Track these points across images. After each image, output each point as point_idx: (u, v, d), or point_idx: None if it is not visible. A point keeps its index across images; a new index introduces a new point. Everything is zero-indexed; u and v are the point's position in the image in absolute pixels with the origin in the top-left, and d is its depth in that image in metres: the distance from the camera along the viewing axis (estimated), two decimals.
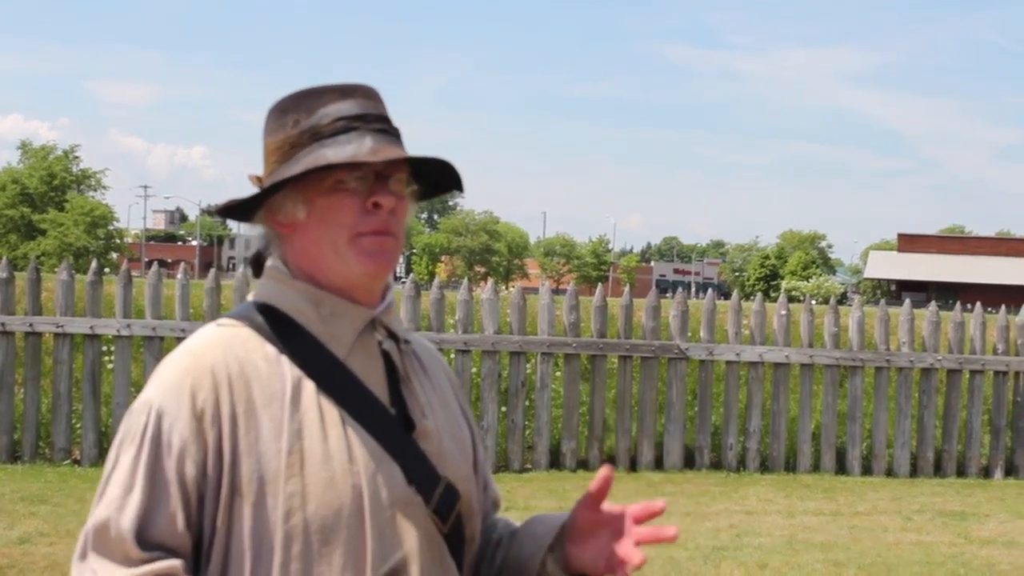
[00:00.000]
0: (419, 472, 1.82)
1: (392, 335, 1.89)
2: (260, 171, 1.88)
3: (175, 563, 1.70)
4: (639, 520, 1.85)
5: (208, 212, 1.93)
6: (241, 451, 1.73)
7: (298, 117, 1.81)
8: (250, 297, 1.90)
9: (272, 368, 1.78)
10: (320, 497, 1.73)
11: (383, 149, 1.76)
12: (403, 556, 1.78)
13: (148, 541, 1.70)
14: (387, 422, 1.82)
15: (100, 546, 1.71)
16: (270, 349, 1.80)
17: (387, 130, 1.82)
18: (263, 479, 1.72)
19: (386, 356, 1.87)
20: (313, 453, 1.74)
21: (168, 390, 1.75)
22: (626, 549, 1.83)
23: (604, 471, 1.82)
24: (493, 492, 2.09)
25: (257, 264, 1.92)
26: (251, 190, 1.85)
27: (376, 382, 1.84)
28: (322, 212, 1.79)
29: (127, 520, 1.69)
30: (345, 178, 1.77)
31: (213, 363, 1.76)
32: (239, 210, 1.85)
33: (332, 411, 1.78)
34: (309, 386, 1.78)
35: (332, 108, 1.80)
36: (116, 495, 1.71)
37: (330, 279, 1.83)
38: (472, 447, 2.00)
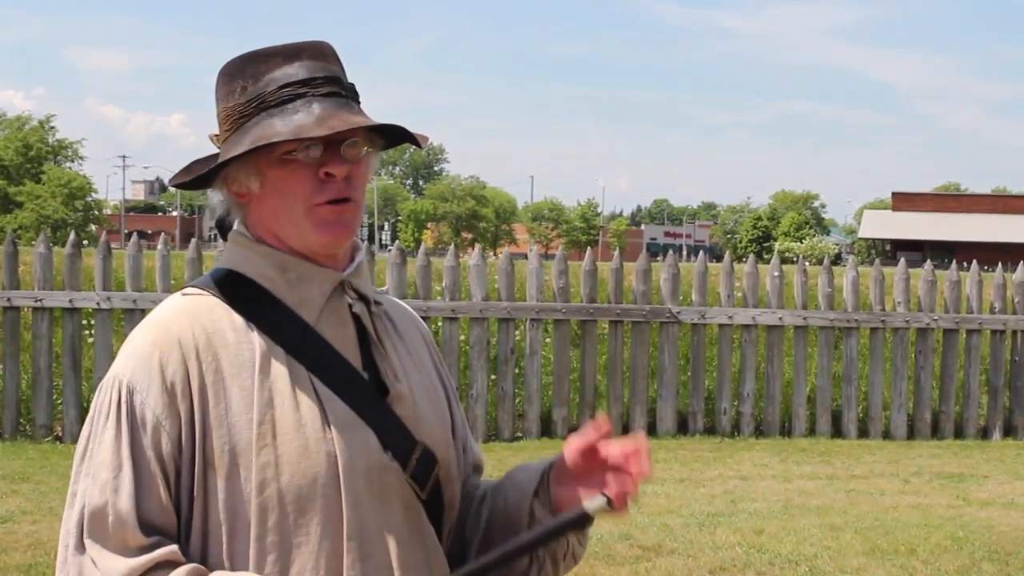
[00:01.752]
0: (394, 438, 1.80)
1: (362, 297, 1.86)
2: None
3: (174, 548, 1.67)
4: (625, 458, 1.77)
5: (171, 184, 1.88)
6: (211, 423, 1.70)
7: (245, 84, 1.76)
8: (216, 264, 1.87)
9: (240, 337, 1.75)
10: (294, 466, 1.70)
11: (331, 117, 1.72)
12: (380, 524, 1.76)
13: (144, 523, 1.67)
14: (360, 387, 1.79)
15: (97, 533, 1.66)
16: (237, 317, 1.77)
17: (337, 92, 1.76)
18: (235, 451, 1.70)
19: (357, 319, 1.84)
20: (285, 422, 1.72)
21: (137, 364, 1.72)
22: (619, 480, 1.75)
23: (601, 424, 1.77)
24: (475, 454, 2.04)
25: (222, 228, 1.87)
26: (214, 150, 1.83)
27: (348, 347, 1.81)
28: (274, 183, 1.75)
29: (124, 503, 1.66)
30: (294, 150, 1.73)
31: (180, 334, 1.73)
32: (195, 182, 1.82)
33: (303, 378, 1.75)
34: (279, 354, 1.75)
35: (278, 73, 1.75)
36: (106, 477, 1.67)
37: (290, 246, 1.79)
38: (449, 410, 1.97)
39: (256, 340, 1.75)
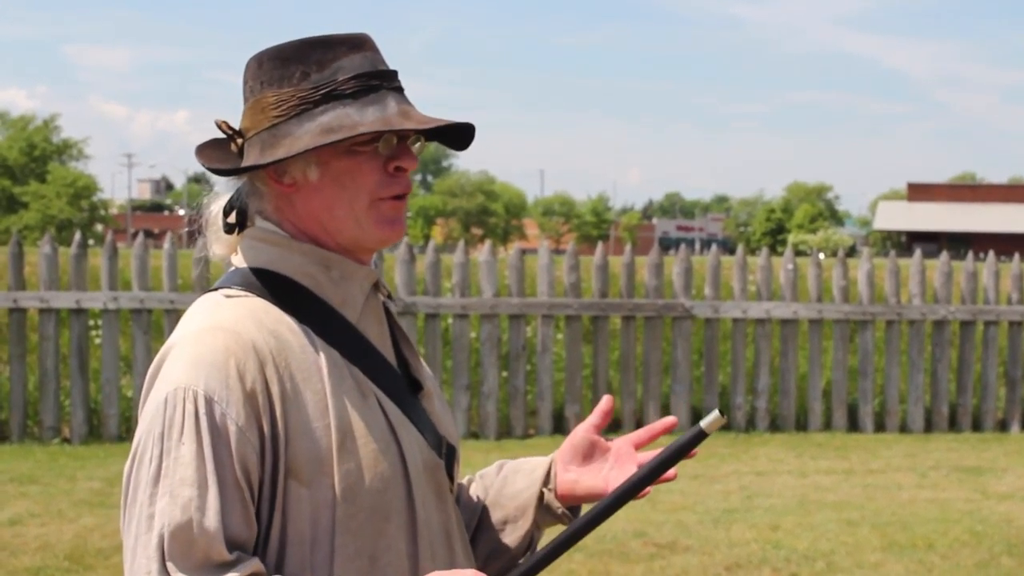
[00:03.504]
0: (431, 435, 1.81)
1: (388, 295, 1.85)
2: (238, 118, 1.77)
3: (257, 561, 1.62)
4: (640, 445, 1.88)
5: (212, 171, 1.71)
6: (296, 431, 1.65)
7: (306, 69, 1.70)
8: (241, 263, 1.76)
9: (300, 340, 1.70)
10: (372, 471, 1.69)
11: (411, 112, 1.71)
12: (440, 521, 1.78)
13: (229, 540, 1.61)
14: (402, 386, 1.79)
15: (179, 555, 1.58)
16: (290, 319, 1.71)
17: (402, 87, 1.75)
18: (318, 459, 1.66)
19: (388, 317, 1.83)
20: (358, 427, 1.70)
21: (210, 372, 1.63)
22: (628, 473, 1.83)
23: (605, 403, 1.89)
24: None
25: (226, 216, 1.78)
26: (218, 135, 1.77)
27: (385, 345, 1.79)
28: (338, 175, 1.70)
29: (212, 521, 1.58)
30: (371, 141, 1.70)
31: (253, 339, 1.66)
32: (238, 169, 1.74)
33: (363, 380, 1.73)
34: (336, 356, 1.71)
35: (346, 62, 1.70)
36: (189, 495, 1.58)
37: (338, 241, 1.74)
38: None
39: (317, 342, 1.70)
